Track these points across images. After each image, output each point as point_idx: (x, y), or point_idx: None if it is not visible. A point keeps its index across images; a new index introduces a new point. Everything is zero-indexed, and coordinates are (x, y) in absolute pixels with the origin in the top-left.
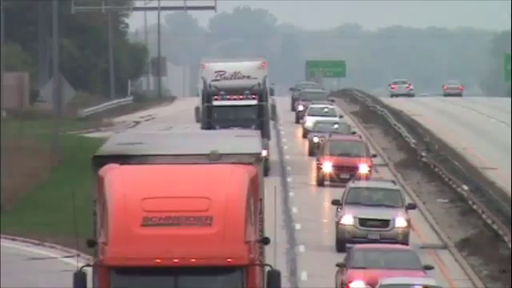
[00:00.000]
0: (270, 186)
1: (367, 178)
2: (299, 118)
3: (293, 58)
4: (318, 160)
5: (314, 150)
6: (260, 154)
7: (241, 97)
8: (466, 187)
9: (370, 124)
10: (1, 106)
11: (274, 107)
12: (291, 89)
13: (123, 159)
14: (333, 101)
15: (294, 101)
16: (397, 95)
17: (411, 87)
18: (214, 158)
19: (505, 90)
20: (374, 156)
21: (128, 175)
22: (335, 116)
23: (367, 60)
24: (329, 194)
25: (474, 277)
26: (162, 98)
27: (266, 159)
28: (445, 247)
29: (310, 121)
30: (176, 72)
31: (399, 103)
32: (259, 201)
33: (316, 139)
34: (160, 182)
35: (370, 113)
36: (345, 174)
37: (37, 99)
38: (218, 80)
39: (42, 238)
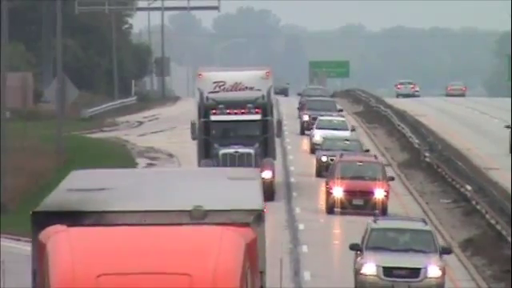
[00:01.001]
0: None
1: (383, 204)
2: (304, 130)
3: (296, 58)
4: (327, 184)
5: (323, 173)
6: (262, 210)
7: (242, 111)
8: (469, 187)
9: (374, 124)
10: (4, 106)
11: (279, 123)
12: (299, 94)
13: (72, 218)
14: (341, 110)
15: (300, 110)
16: (403, 95)
17: (416, 88)
18: (198, 216)
19: (508, 90)
20: (392, 179)
21: (78, 242)
22: (346, 129)
23: (370, 60)
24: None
25: (477, 277)
26: (166, 98)
27: (271, 181)
28: (448, 247)
29: (318, 135)
30: (180, 72)
31: (403, 103)
32: (259, 275)
33: (325, 158)
34: (122, 252)
35: (374, 113)
36: (358, 200)
37: (40, 99)
38: (216, 92)
39: None
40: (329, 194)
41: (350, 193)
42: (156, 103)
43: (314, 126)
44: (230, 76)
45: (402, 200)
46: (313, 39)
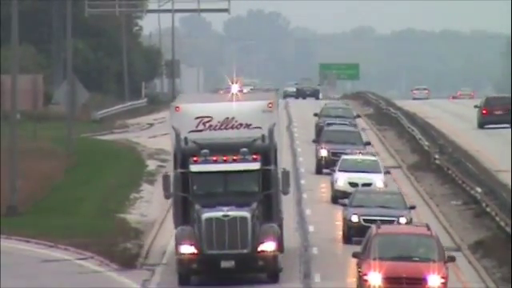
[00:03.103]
0: None
1: None
2: (321, 168)
3: (306, 60)
4: (359, 266)
5: (353, 239)
6: None
7: (235, 158)
8: (479, 189)
9: (384, 126)
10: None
11: (286, 174)
12: (315, 114)
13: None
14: (368, 143)
15: (316, 141)
16: (418, 100)
17: (429, 93)
18: None
19: None
20: (453, 260)
21: None
22: (379, 171)
23: (381, 62)
24: None
25: (487, 279)
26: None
27: (275, 256)
28: (458, 249)
29: (342, 180)
30: (190, 74)
31: (412, 105)
32: None
33: (355, 218)
34: None
35: (384, 115)
36: None
37: (51, 101)
38: (199, 131)
39: (56, 240)
40: (363, 281)
41: (392, 280)
42: (166, 105)
43: (337, 168)
44: (219, 108)
45: (411, 202)
46: (323, 41)
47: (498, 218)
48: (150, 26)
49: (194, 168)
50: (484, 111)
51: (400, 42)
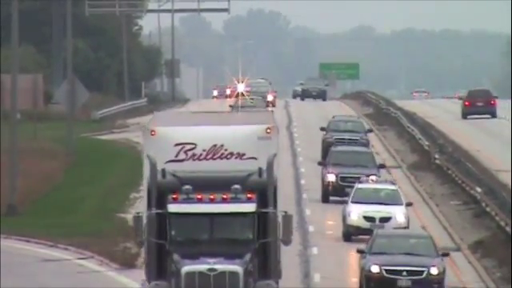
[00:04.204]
0: None
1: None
2: (328, 195)
3: (306, 60)
4: None
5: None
6: None
7: (225, 196)
8: (479, 189)
9: (384, 126)
10: (14, 108)
11: (288, 219)
12: (322, 129)
13: None
14: (383, 166)
15: (323, 163)
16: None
17: (428, 95)
18: None
19: None
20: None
21: None
22: (399, 203)
23: (381, 62)
24: None
25: (487, 279)
26: (176, 99)
27: None
28: (458, 249)
29: (356, 213)
30: (190, 74)
31: (412, 105)
32: None
33: (376, 268)
34: None
35: (384, 115)
36: None
37: (51, 101)
38: (180, 161)
39: (56, 240)
40: None
41: None
42: (166, 105)
43: (349, 199)
44: (205, 133)
45: (411, 202)
46: (323, 41)
47: (497, 218)
48: (149, 25)
49: (172, 208)
50: (467, 103)
51: (400, 42)
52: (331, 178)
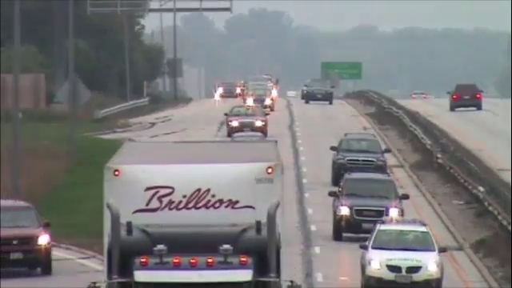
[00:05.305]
0: None
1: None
2: (340, 231)
3: (309, 59)
4: None
5: None
6: None
7: (210, 260)
8: (481, 188)
9: (386, 125)
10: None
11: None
12: (333, 148)
13: None
14: (407, 197)
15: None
16: None
17: (427, 96)
18: None
19: None
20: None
21: None
22: (431, 249)
23: (383, 61)
24: None
25: (489, 278)
26: (178, 99)
27: None
28: (460, 249)
29: (378, 261)
30: (192, 73)
31: (414, 104)
32: None
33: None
34: None
35: (386, 114)
36: None
37: (53, 101)
38: (152, 210)
39: (57, 239)
40: None
41: None
42: (168, 104)
43: (369, 242)
44: (185, 173)
45: (414, 201)
46: (325, 40)
47: (500, 217)
48: (151, 24)
49: (140, 276)
50: (454, 96)
51: (402, 41)
52: (344, 211)
